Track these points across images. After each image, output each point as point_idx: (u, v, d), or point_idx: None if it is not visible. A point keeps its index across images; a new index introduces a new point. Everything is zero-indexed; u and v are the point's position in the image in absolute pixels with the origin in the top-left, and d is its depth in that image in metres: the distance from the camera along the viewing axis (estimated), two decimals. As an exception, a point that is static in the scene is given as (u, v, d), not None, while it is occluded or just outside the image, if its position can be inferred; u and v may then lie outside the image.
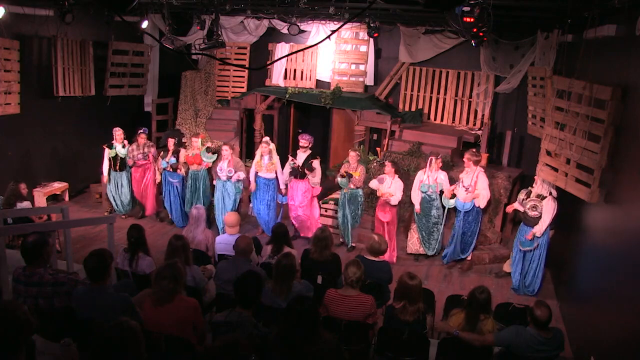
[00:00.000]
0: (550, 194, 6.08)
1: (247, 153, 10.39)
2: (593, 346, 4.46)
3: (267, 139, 7.74)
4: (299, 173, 7.38)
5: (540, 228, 6.10)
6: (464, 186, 6.78)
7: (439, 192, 7.02)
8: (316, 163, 7.39)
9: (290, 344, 2.93)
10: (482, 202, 6.80)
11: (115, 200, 8.30)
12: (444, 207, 7.10)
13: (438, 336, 4.50)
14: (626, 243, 4.03)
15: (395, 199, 6.93)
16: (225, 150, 7.40)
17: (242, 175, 7.44)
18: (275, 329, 3.12)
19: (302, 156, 7.40)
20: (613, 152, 4.41)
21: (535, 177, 6.22)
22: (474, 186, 6.72)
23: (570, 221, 5.92)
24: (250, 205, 7.91)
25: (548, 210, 6.04)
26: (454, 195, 6.93)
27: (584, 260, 5.36)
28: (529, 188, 6.36)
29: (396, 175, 7.01)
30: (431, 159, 7.00)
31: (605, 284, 4.47)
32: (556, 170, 5.41)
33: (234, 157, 7.61)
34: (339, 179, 7.24)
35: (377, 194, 7.13)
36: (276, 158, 7.51)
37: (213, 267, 5.08)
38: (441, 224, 7.17)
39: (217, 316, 3.53)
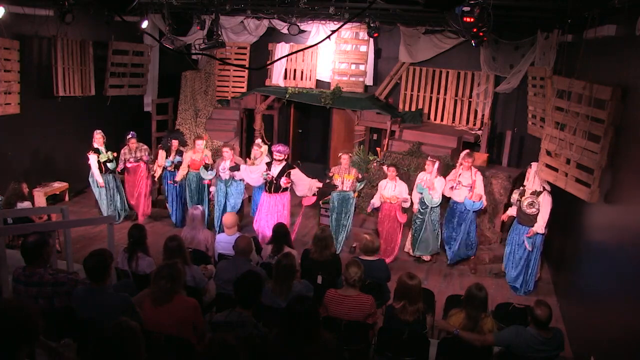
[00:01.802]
0: (544, 188, 6.09)
1: (247, 153, 10.39)
2: (593, 346, 4.46)
3: (258, 141, 7.72)
4: (273, 186, 6.77)
5: (540, 224, 6.08)
6: (464, 186, 6.75)
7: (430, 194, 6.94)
8: (295, 173, 6.79)
9: (290, 344, 2.93)
10: (482, 199, 6.79)
11: (109, 206, 8.03)
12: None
13: (438, 336, 4.50)
14: (626, 243, 4.03)
15: (407, 203, 6.90)
16: (226, 152, 7.35)
17: (240, 175, 7.32)
18: (275, 329, 3.12)
19: (277, 168, 6.74)
20: (613, 152, 4.41)
21: (527, 174, 6.24)
22: (473, 184, 6.72)
23: (570, 221, 5.92)
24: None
25: (545, 205, 6.04)
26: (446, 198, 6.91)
27: (584, 260, 5.36)
28: (521, 187, 6.37)
29: (397, 178, 6.92)
30: (429, 161, 6.99)
31: (605, 283, 4.47)
32: (556, 170, 5.41)
33: (235, 157, 7.59)
34: (357, 184, 7.11)
35: (381, 200, 6.96)
36: (265, 160, 7.28)
37: (213, 267, 5.08)
38: (432, 229, 7.02)
39: (217, 316, 3.53)
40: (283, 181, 6.72)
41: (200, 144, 7.69)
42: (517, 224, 6.36)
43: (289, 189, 6.93)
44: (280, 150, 6.68)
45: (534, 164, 6.14)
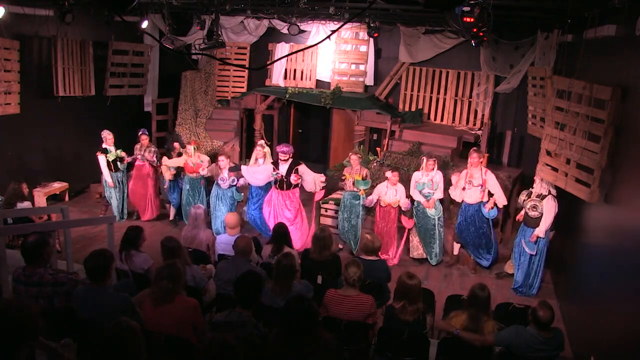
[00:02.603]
0: (550, 192, 6.06)
1: (247, 153, 10.39)
2: (593, 346, 4.46)
3: (262, 142, 7.68)
4: (284, 184, 6.90)
5: (542, 228, 6.05)
6: (474, 186, 6.61)
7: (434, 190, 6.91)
8: (302, 169, 6.91)
9: (290, 344, 2.93)
10: (502, 200, 6.66)
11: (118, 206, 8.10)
12: (443, 205, 7.06)
13: (438, 336, 4.50)
14: (626, 243, 4.03)
15: (406, 204, 6.89)
16: (222, 161, 7.31)
17: (244, 181, 7.30)
18: (275, 329, 3.12)
19: (284, 167, 6.89)
20: (613, 152, 4.41)
21: (535, 177, 6.21)
22: (484, 183, 6.61)
23: (570, 221, 5.92)
24: (244, 208, 7.69)
25: (549, 209, 6.01)
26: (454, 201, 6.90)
27: (584, 260, 5.36)
28: (529, 189, 6.33)
29: (398, 183, 6.89)
30: (422, 159, 6.98)
31: (605, 284, 4.47)
32: (556, 170, 5.41)
33: (230, 163, 7.58)
34: (358, 180, 7.09)
35: (382, 204, 6.93)
36: (268, 161, 7.23)
37: (213, 267, 5.08)
38: (442, 226, 7.03)
39: (217, 316, 3.53)
40: (293, 178, 6.85)
41: (190, 148, 7.66)
42: (524, 226, 6.32)
43: (299, 185, 7.02)
44: (285, 151, 6.83)
45: None
